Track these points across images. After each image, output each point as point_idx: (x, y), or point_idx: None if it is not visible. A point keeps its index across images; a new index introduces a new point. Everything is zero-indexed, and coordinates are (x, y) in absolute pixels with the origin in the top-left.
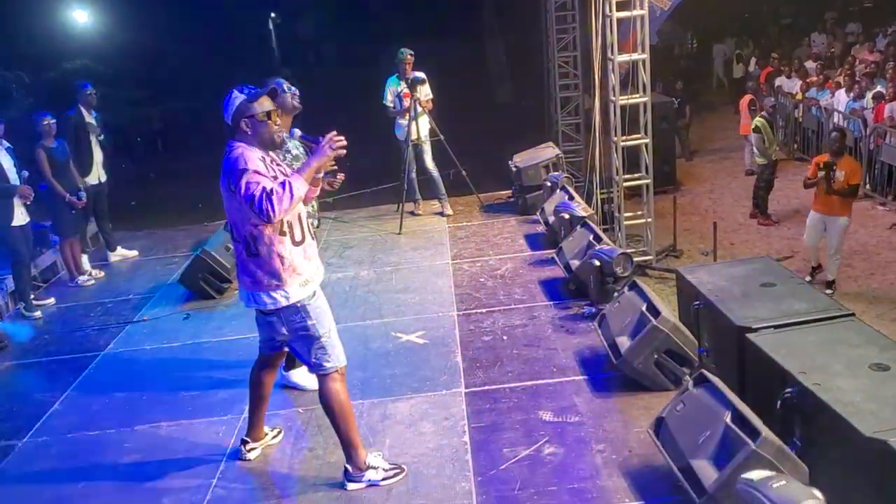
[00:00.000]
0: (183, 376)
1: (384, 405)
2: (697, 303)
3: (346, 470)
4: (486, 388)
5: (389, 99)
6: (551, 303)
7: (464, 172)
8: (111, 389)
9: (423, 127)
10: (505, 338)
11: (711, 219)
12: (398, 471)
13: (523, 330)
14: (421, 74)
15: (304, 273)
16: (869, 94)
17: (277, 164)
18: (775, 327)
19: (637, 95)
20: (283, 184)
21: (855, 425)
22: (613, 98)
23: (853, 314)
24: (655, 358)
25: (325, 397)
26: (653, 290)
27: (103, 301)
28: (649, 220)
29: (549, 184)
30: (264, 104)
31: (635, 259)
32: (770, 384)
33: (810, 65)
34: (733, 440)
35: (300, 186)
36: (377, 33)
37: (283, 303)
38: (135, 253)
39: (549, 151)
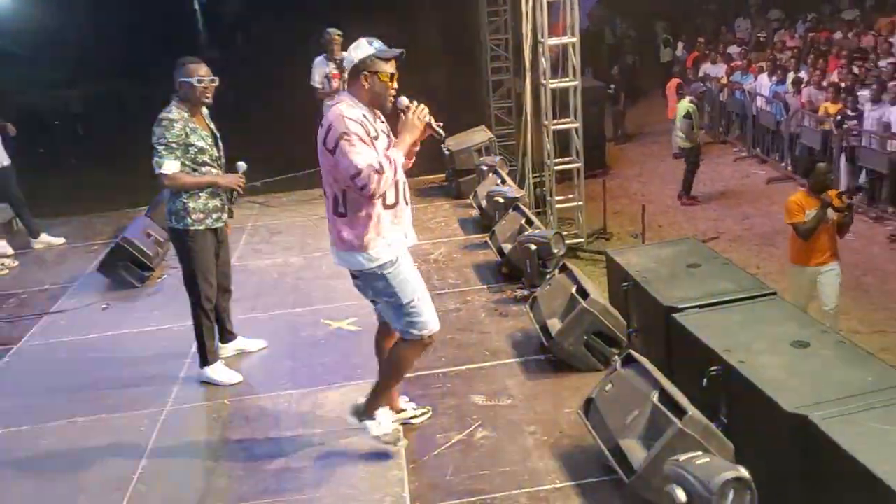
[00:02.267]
0: (102, 370)
1: (314, 395)
2: (626, 284)
3: (356, 408)
4: (419, 373)
5: (318, 80)
6: (485, 287)
7: None
8: (25, 384)
9: None
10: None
11: (640, 201)
12: (398, 439)
13: (457, 314)
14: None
15: (388, 237)
16: (790, 79)
17: (382, 121)
18: (700, 307)
19: (567, 79)
20: (388, 161)
21: (777, 401)
22: (544, 82)
23: (775, 293)
24: (585, 339)
25: (396, 354)
26: (584, 273)
27: (17, 292)
28: (580, 203)
29: (482, 167)
30: (392, 65)
31: (567, 242)
32: (696, 363)
33: (734, 50)
34: (660, 419)
35: (401, 161)
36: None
37: (367, 265)
38: (62, 240)
39: (481, 135)
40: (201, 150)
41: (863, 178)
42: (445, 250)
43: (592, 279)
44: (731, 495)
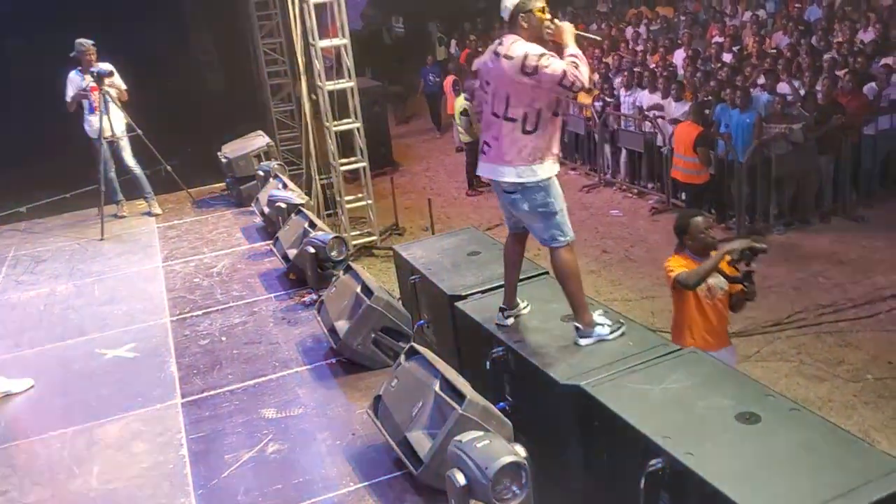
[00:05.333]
0: None
1: (89, 431)
2: (414, 277)
3: (576, 328)
4: (205, 394)
5: (71, 94)
6: (272, 295)
7: (168, 168)
8: None
9: (116, 122)
10: (224, 339)
11: (429, 195)
12: (620, 324)
13: (243, 327)
14: (108, 66)
15: (557, 152)
16: None
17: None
18: (482, 292)
19: (343, 81)
20: (574, 58)
21: (552, 375)
22: (320, 84)
23: (546, 272)
24: (373, 337)
25: (557, 265)
26: (379, 269)
27: None
28: (370, 201)
29: (261, 173)
30: (541, 0)
31: (360, 241)
32: (480, 347)
33: None
34: (443, 407)
35: (579, 52)
36: (66, 21)
37: (539, 176)
38: None
39: (259, 140)
40: None
41: (623, 158)
42: (229, 262)
43: (387, 275)
44: (506, 482)
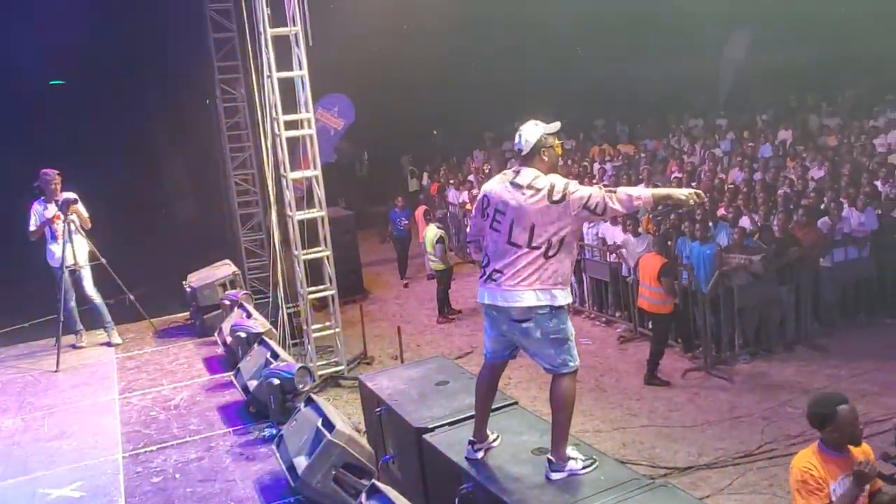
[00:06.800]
0: None
1: None
2: (379, 409)
3: (549, 461)
4: None
5: (34, 224)
6: (230, 429)
7: (131, 297)
8: None
9: (80, 251)
10: (178, 476)
11: (399, 323)
12: (593, 460)
13: (199, 464)
14: (72, 194)
15: (570, 281)
16: None
17: None
18: (450, 424)
19: (314, 210)
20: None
21: None
22: (290, 213)
23: (516, 402)
24: (334, 474)
25: (559, 393)
26: (346, 400)
27: None
28: (338, 329)
29: (227, 302)
30: (557, 137)
31: (327, 371)
32: (449, 483)
33: (474, 178)
34: None
35: (634, 192)
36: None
37: (557, 301)
38: None
39: (225, 269)
40: None
41: (586, 286)
42: (188, 394)
43: (353, 407)
44: None
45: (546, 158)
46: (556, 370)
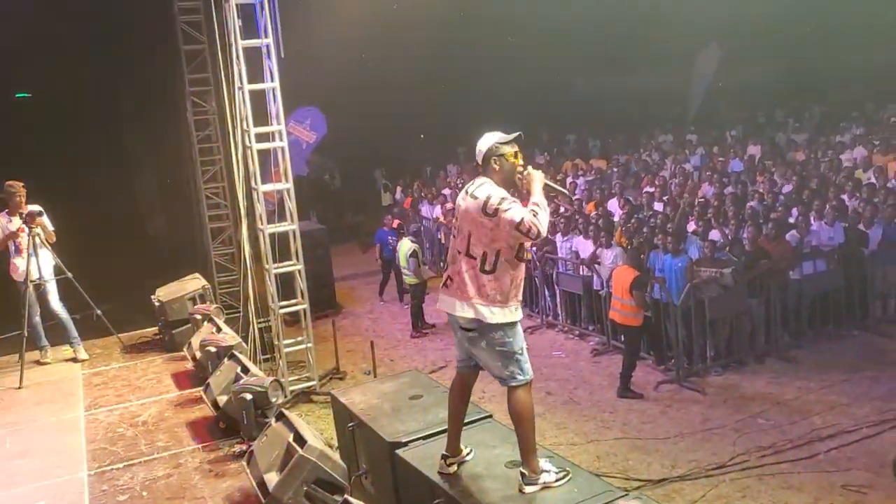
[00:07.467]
0: None
1: None
2: (352, 424)
3: (522, 474)
4: None
5: None
6: (199, 446)
7: (98, 312)
8: None
9: (45, 265)
10: (145, 494)
11: (372, 338)
12: (566, 473)
13: (167, 482)
14: (37, 207)
15: (520, 298)
16: None
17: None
18: (424, 439)
19: (286, 223)
20: (536, 206)
21: None
22: (261, 227)
23: (490, 416)
24: (305, 490)
25: (514, 406)
26: (319, 416)
27: None
28: (310, 344)
29: (196, 317)
30: (513, 146)
31: (299, 386)
32: (422, 496)
33: (448, 192)
34: None
35: (543, 202)
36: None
37: (501, 319)
38: None
39: (194, 283)
40: None
41: (559, 299)
42: (156, 410)
43: (326, 422)
44: None
45: (497, 167)
46: (505, 382)
